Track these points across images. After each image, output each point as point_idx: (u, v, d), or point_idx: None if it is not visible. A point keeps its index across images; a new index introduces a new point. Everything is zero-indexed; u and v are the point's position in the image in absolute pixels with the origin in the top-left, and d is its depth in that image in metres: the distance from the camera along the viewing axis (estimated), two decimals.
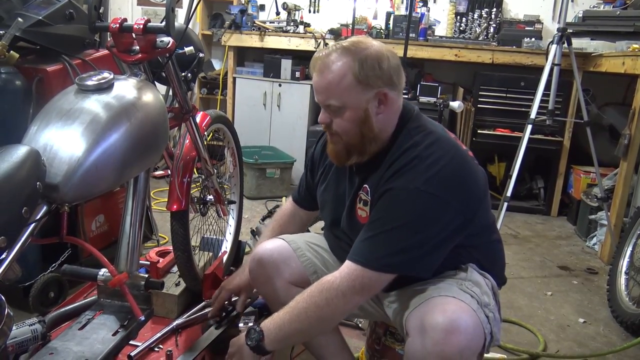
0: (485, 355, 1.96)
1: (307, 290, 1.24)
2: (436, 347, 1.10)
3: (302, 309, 1.23)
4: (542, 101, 2.99)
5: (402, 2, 4.42)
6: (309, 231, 2.56)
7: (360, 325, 2.07)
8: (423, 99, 3.84)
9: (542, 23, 4.14)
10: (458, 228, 1.20)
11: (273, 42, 4.23)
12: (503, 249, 1.46)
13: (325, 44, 4.08)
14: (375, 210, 1.23)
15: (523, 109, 3.75)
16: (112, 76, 1.32)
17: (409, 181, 1.18)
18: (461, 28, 4.34)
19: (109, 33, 1.41)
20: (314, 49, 4.08)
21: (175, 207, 1.68)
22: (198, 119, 1.82)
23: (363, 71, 1.19)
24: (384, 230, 1.18)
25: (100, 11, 1.44)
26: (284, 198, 2.68)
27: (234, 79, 4.38)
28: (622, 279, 2.48)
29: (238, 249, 2.28)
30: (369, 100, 1.22)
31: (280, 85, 4.23)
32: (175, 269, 1.89)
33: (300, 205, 1.65)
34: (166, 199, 1.71)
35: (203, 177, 1.87)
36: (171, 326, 1.69)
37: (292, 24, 4.23)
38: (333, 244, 1.51)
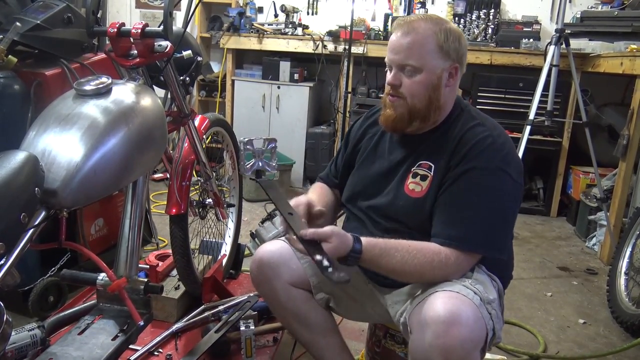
0: (485, 356, 1.98)
1: (419, 255, 1.21)
2: (438, 339, 1.10)
3: (406, 272, 1.22)
4: (540, 102, 2.98)
5: (400, 4, 4.42)
6: None
7: None
8: None
9: (540, 24, 4.14)
10: (518, 206, 1.31)
11: (271, 44, 4.23)
12: (513, 253, 1.47)
13: (324, 46, 4.09)
14: (460, 189, 1.26)
15: (522, 110, 3.75)
16: (110, 81, 1.32)
17: (489, 160, 1.25)
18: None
19: (107, 37, 1.41)
20: (313, 51, 4.09)
21: (174, 210, 1.68)
22: (197, 123, 1.82)
23: (447, 41, 1.28)
24: (479, 212, 1.24)
25: (98, 15, 1.44)
26: None
27: (233, 81, 4.38)
28: (621, 280, 2.48)
29: (237, 252, 2.28)
30: (444, 69, 1.30)
31: (279, 87, 4.23)
32: (174, 272, 1.89)
33: (331, 185, 1.60)
34: (165, 202, 1.72)
35: (202, 180, 1.87)
36: (171, 330, 1.69)
37: (290, 26, 4.23)
38: (354, 223, 1.48)
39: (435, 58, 1.29)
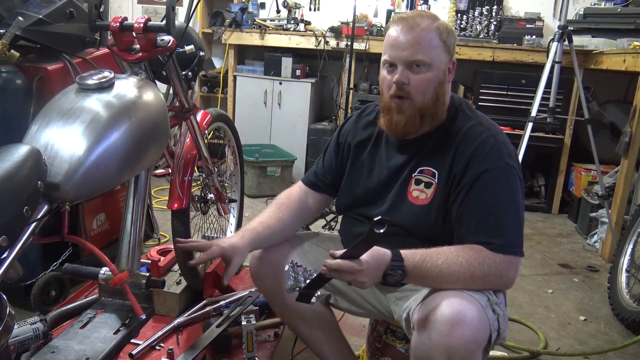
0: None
1: (462, 252, 1.17)
2: (441, 339, 1.10)
3: (455, 272, 1.15)
4: (543, 99, 2.97)
5: (403, 0, 4.41)
6: (309, 229, 2.56)
7: None
8: None
9: (543, 20, 4.13)
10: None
11: (273, 40, 4.22)
12: None
13: (326, 42, 4.09)
14: (479, 193, 1.23)
15: (524, 107, 3.74)
16: (112, 75, 1.31)
17: (497, 158, 1.24)
18: (462, 26, 4.34)
19: (109, 32, 1.41)
20: (315, 47, 4.09)
21: (176, 205, 1.68)
22: (199, 118, 1.82)
23: (448, 36, 1.27)
24: (504, 213, 1.22)
25: (101, 10, 1.44)
26: None
27: (235, 77, 4.38)
28: (622, 277, 2.48)
29: None
30: (447, 64, 1.28)
31: (280, 83, 4.23)
32: (176, 267, 1.89)
33: (317, 189, 1.53)
34: (167, 198, 1.72)
35: (204, 175, 1.87)
36: (172, 325, 1.70)
37: (292, 22, 4.23)
38: (351, 230, 1.45)
39: (440, 53, 1.26)
